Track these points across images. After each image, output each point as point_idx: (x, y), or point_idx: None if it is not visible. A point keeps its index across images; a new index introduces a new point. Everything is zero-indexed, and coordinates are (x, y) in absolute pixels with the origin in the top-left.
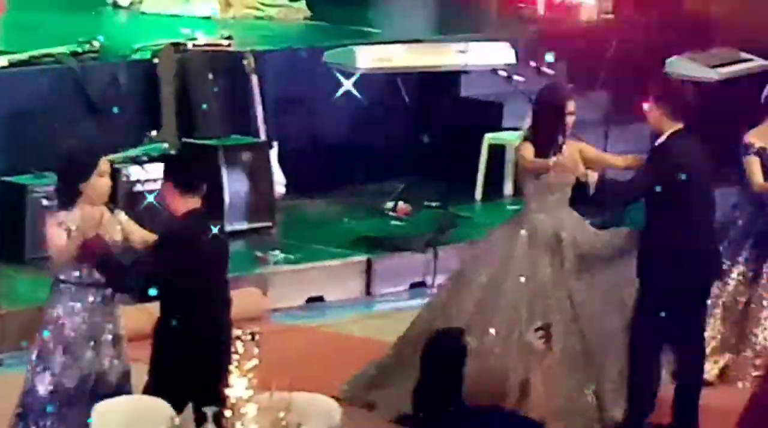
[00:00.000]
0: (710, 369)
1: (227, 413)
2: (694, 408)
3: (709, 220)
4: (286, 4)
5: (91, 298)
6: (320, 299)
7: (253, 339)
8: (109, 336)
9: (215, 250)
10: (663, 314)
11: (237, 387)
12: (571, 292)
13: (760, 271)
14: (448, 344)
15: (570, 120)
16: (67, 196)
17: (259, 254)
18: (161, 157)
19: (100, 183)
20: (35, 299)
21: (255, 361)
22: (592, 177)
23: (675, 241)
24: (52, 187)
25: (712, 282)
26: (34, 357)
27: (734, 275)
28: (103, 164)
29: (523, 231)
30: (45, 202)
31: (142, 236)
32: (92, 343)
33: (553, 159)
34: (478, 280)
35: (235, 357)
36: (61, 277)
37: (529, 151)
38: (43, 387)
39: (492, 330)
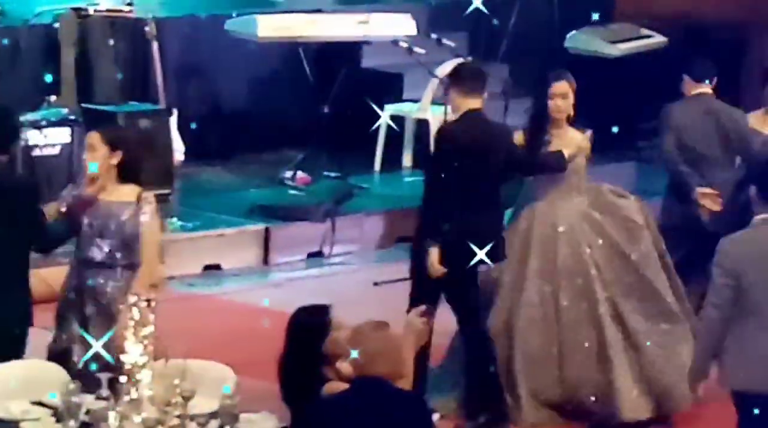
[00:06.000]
0: None
1: (122, 379)
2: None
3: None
4: None
5: None
6: (217, 267)
7: (149, 305)
8: None
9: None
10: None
11: (132, 353)
12: None
13: None
14: (313, 319)
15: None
16: None
17: None
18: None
19: None
20: None
21: (151, 328)
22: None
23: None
24: None
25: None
26: None
27: None
28: None
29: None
30: None
31: None
32: None
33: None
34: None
35: (131, 323)
36: None
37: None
38: None
39: None
